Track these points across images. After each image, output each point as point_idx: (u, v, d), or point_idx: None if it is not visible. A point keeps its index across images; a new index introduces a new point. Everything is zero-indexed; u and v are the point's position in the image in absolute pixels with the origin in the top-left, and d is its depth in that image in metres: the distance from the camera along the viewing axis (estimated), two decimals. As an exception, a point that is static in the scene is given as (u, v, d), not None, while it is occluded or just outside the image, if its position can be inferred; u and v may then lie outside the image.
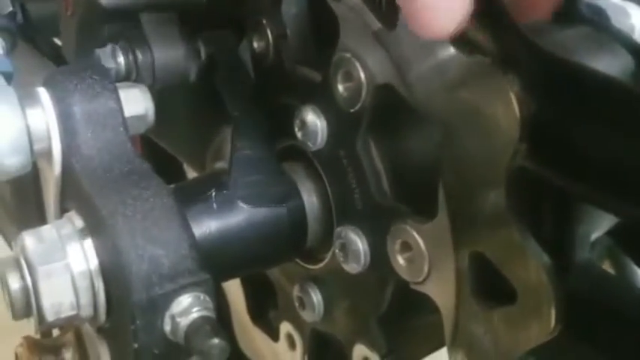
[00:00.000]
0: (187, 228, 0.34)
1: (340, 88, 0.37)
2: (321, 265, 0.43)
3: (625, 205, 0.29)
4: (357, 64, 0.36)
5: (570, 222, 0.42)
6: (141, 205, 0.33)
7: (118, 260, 0.32)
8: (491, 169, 0.30)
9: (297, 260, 0.45)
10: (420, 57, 0.32)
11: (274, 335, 0.49)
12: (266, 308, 0.50)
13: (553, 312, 0.29)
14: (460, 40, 0.29)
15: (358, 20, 0.35)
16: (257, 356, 0.52)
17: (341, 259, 0.40)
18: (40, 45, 0.49)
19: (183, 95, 0.45)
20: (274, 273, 0.48)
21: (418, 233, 0.34)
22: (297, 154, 0.42)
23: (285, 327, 0.47)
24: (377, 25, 0.34)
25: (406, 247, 0.35)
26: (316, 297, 0.44)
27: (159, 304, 0.32)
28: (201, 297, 0.33)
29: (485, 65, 0.28)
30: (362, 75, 0.35)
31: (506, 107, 0.28)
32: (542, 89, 0.29)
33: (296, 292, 0.45)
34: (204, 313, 0.32)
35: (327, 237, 0.42)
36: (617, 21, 0.58)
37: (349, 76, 0.36)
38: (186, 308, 0.32)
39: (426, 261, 0.34)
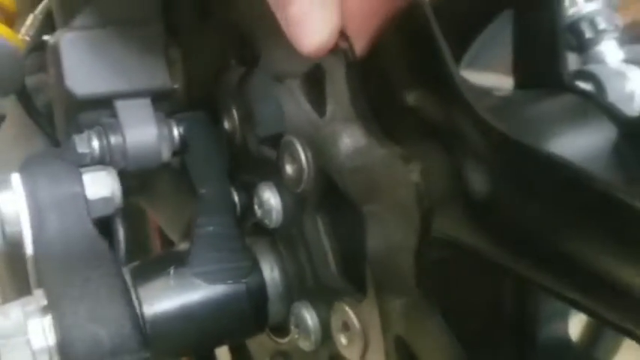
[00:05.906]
0: (131, 307, 0.35)
1: (288, 168, 0.39)
2: (286, 339, 0.43)
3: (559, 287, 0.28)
4: (299, 147, 0.37)
5: (532, 298, 0.40)
6: (88, 285, 0.35)
7: (63, 339, 0.34)
8: (402, 256, 0.30)
9: (269, 333, 0.45)
10: (341, 142, 0.33)
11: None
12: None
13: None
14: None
15: (297, 103, 0.36)
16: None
17: (296, 335, 0.40)
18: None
19: (161, 174, 0.47)
20: (251, 344, 0.49)
21: (354, 312, 0.34)
22: (264, 230, 0.43)
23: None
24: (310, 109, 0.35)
25: (346, 325, 0.35)
26: (284, 371, 0.44)
27: (100, 383, 0.33)
28: (142, 376, 0.34)
29: (388, 154, 0.29)
30: (303, 158, 0.37)
31: (407, 195, 0.28)
32: (485, 166, 0.29)
33: (268, 364, 0.45)
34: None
35: (288, 313, 0.42)
36: (612, 87, 0.55)
37: (294, 158, 0.38)
38: (126, 386, 0.33)
39: (362, 341, 0.34)
